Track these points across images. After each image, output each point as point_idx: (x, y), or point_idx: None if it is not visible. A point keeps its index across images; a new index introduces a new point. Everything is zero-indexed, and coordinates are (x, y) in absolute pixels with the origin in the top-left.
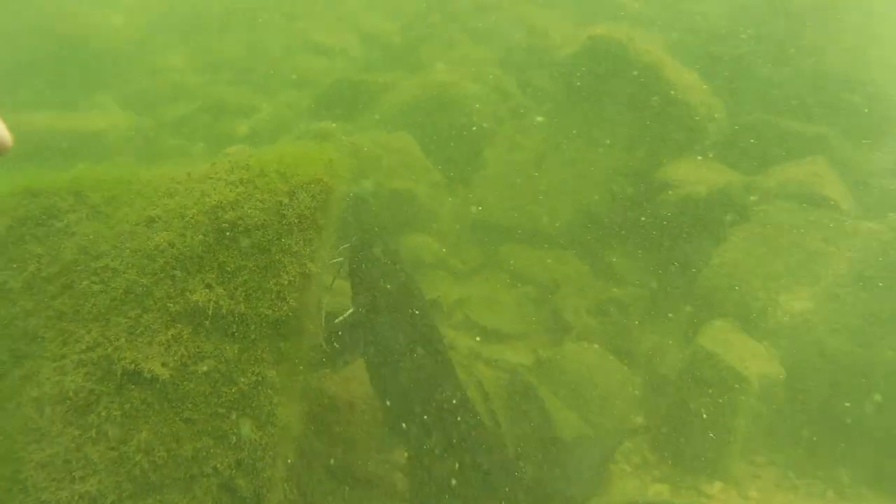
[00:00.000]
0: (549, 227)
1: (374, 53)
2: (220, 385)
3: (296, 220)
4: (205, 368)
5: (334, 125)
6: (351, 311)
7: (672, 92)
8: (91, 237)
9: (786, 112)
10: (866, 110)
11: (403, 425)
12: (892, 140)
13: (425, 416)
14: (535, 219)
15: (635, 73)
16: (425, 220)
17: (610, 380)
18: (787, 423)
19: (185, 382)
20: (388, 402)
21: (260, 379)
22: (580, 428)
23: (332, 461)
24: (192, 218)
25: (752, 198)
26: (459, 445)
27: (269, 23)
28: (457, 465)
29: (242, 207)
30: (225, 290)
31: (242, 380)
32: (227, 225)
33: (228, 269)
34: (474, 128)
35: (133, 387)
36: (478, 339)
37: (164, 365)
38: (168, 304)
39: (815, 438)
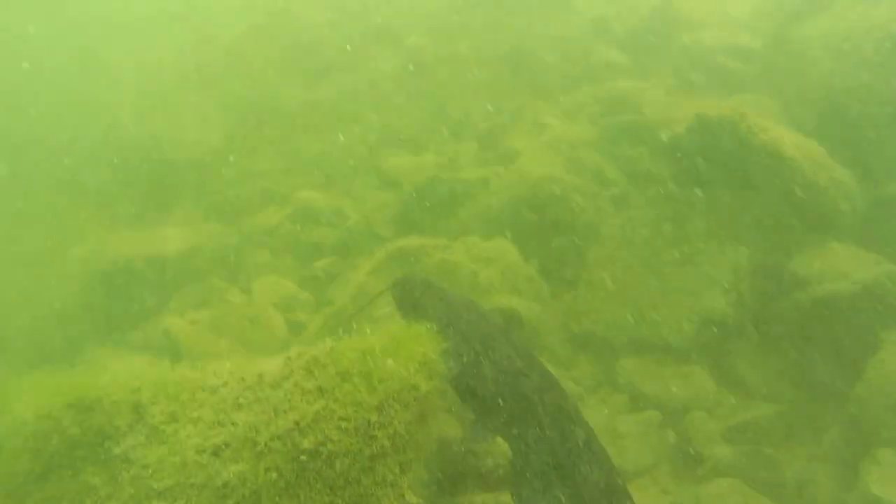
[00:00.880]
0: (669, 338)
1: (462, 145)
2: None
3: (388, 443)
4: None
5: (422, 242)
6: None
7: (795, 171)
8: (152, 468)
9: None
10: None
11: None
12: None
13: None
14: (653, 328)
15: (751, 155)
16: (531, 336)
17: None
18: None
19: None
20: None
21: None
22: None
23: None
24: (265, 445)
25: None
26: None
27: (351, 115)
28: None
29: (323, 430)
30: None
31: None
32: (306, 456)
33: None
34: (576, 225)
35: None
36: None
37: None
38: None
39: None
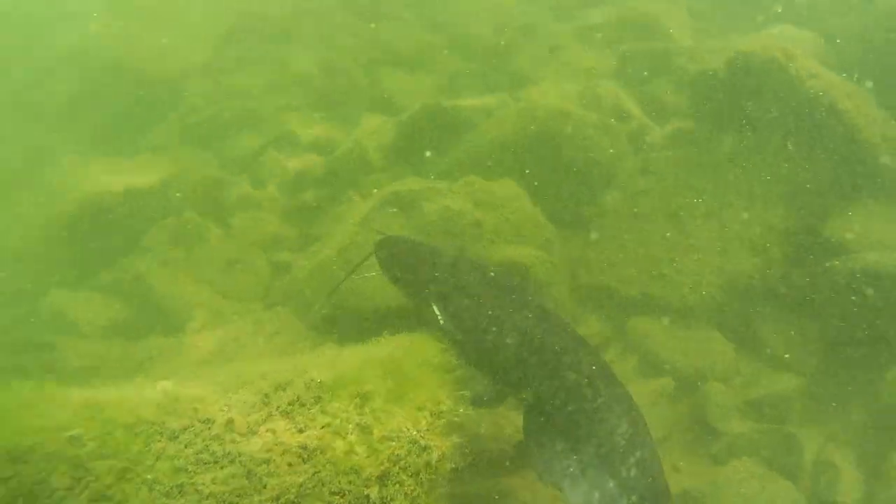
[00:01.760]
0: (688, 298)
1: (466, 65)
2: None
3: None
4: None
5: (420, 185)
6: None
7: (846, 125)
8: None
9: None
10: None
11: None
12: None
13: None
14: (670, 286)
15: (797, 102)
16: (536, 289)
17: None
18: None
19: None
20: None
21: None
22: None
23: None
24: None
25: None
26: None
27: (344, 27)
28: None
29: None
30: None
31: None
32: None
33: None
34: (590, 166)
35: None
36: None
37: None
38: None
39: None
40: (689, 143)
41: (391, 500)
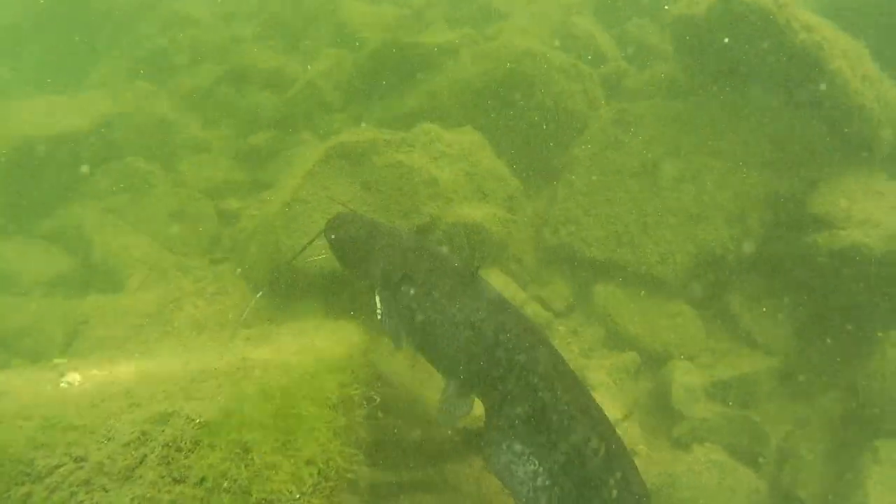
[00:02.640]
0: (658, 267)
1: None
2: None
3: None
4: None
5: (372, 135)
6: None
7: (836, 86)
8: None
9: None
10: None
11: None
12: None
13: None
14: (640, 253)
15: (786, 56)
16: (498, 249)
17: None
18: None
19: None
20: None
21: None
22: None
23: None
24: None
25: None
26: None
27: None
28: None
29: None
30: None
31: None
32: None
33: None
34: (560, 115)
35: None
36: None
37: None
38: None
39: None
40: (669, 94)
41: None
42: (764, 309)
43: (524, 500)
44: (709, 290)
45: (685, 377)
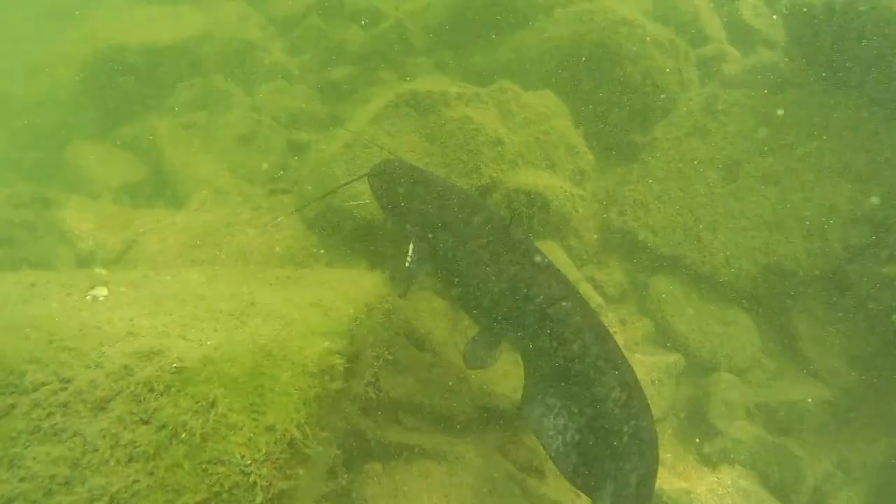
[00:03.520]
0: (722, 270)
1: None
2: None
3: None
4: None
5: (444, 87)
6: None
7: None
8: None
9: None
10: None
11: None
12: None
13: None
14: (706, 251)
15: None
16: (557, 224)
17: None
18: None
19: None
20: None
21: None
22: None
23: None
24: None
25: None
26: None
27: None
28: None
29: None
30: None
31: None
32: None
33: None
34: (647, 90)
35: None
36: None
37: None
38: None
39: None
40: (770, 86)
41: None
42: (827, 335)
43: (553, 454)
44: (773, 306)
45: (728, 392)
